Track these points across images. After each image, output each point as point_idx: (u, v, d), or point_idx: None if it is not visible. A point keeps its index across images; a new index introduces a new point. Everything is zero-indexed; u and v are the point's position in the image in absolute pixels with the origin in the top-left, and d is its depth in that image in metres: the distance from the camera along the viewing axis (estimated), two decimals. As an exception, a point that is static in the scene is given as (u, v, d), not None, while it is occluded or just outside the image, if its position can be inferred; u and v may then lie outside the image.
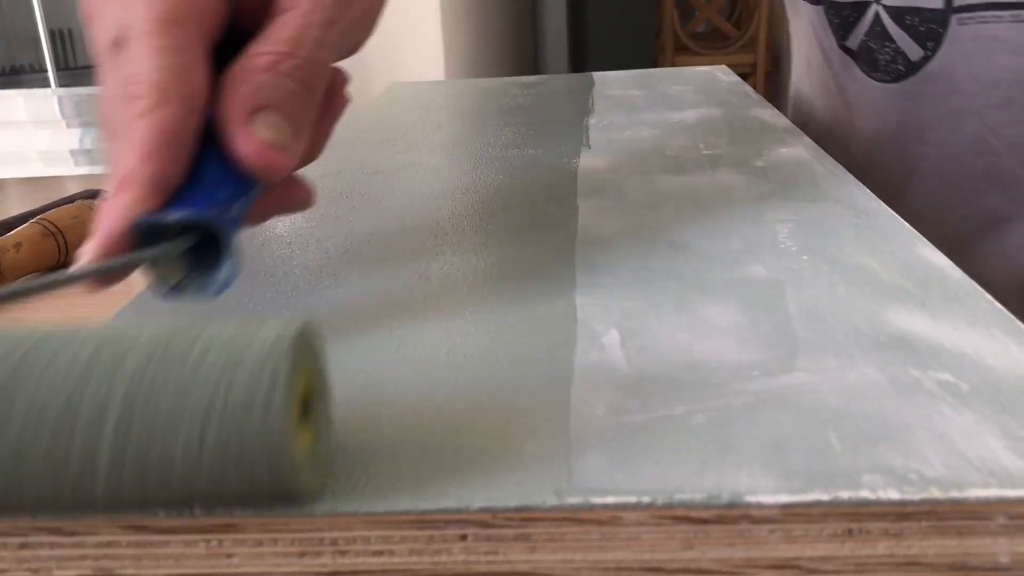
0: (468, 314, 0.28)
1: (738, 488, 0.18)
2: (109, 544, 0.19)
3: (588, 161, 0.47)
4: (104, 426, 0.17)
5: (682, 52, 2.92)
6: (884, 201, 0.37)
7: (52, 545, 0.19)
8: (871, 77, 0.56)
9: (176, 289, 0.24)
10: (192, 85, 0.24)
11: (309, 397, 0.19)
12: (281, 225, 0.39)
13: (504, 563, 0.18)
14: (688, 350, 0.24)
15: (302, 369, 0.18)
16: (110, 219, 0.23)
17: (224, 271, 0.24)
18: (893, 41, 0.53)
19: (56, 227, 0.50)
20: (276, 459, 0.17)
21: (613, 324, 0.26)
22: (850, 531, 0.18)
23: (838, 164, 0.44)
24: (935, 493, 0.18)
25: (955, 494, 0.18)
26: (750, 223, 0.35)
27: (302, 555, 0.19)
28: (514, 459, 0.20)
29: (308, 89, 0.26)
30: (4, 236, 0.48)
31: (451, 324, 0.27)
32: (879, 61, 0.55)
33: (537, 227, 0.36)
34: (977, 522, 0.18)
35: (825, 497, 0.18)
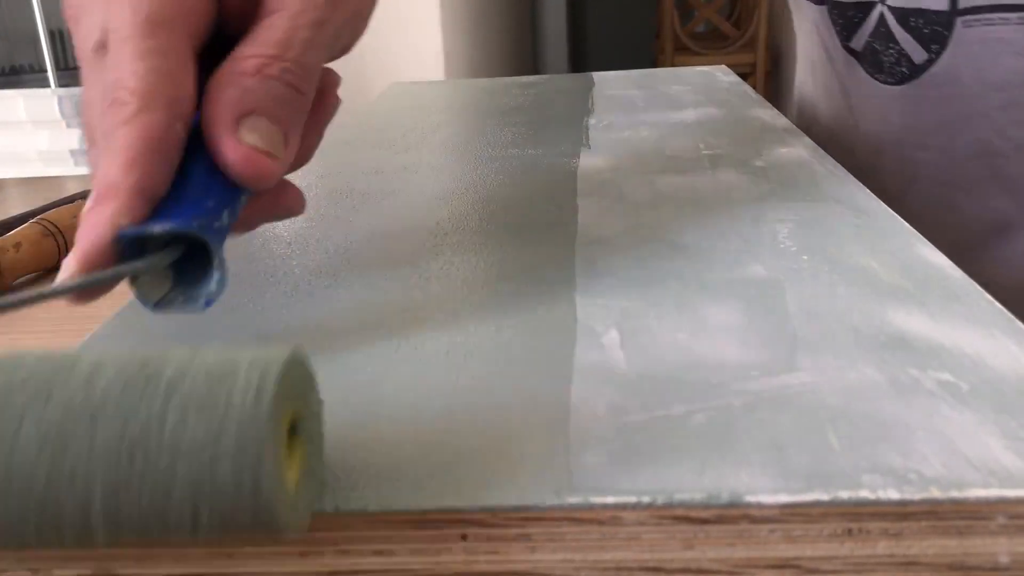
0: (468, 314, 0.28)
1: (738, 488, 0.18)
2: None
3: (588, 161, 0.47)
4: (91, 506, 0.16)
5: (682, 52, 2.92)
6: (888, 204, 0.36)
7: (52, 545, 0.19)
8: (875, 79, 0.55)
9: (162, 303, 0.24)
10: (177, 90, 0.24)
11: (297, 419, 0.18)
12: (281, 225, 0.39)
13: (504, 563, 0.18)
14: (688, 350, 0.24)
15: (287, 407, 0.18)
16: (93, 231, 0.22)
17: (211, 284, 0.23)
18: (897, 43, 0.52)
19: (56, 227, 0.50)
20: (270, 519, 0.17)
21: (613, 324, 0.26)
22: (850, 531, 0.18)
23: (838, 164, 0.44)
24: (935, 493, 0.18)
25: (955, 494, 0.18)
26: (750, 223, 0.35)
27: (303, 555, 0.19)
28: (514, 459, 0.20)
29: (298, 92, 0.25)
30: (4, 236, 0.48)
31: (451, 324, 0.27)
32: (883, 63, 0.54)
33: (537, 227, 0.36)
34: (977, 522, 0.18)
35: (825, 497, 0.18)
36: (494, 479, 0.19)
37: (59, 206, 0.55)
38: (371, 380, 0.24)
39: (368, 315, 0.29)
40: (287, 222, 0.39)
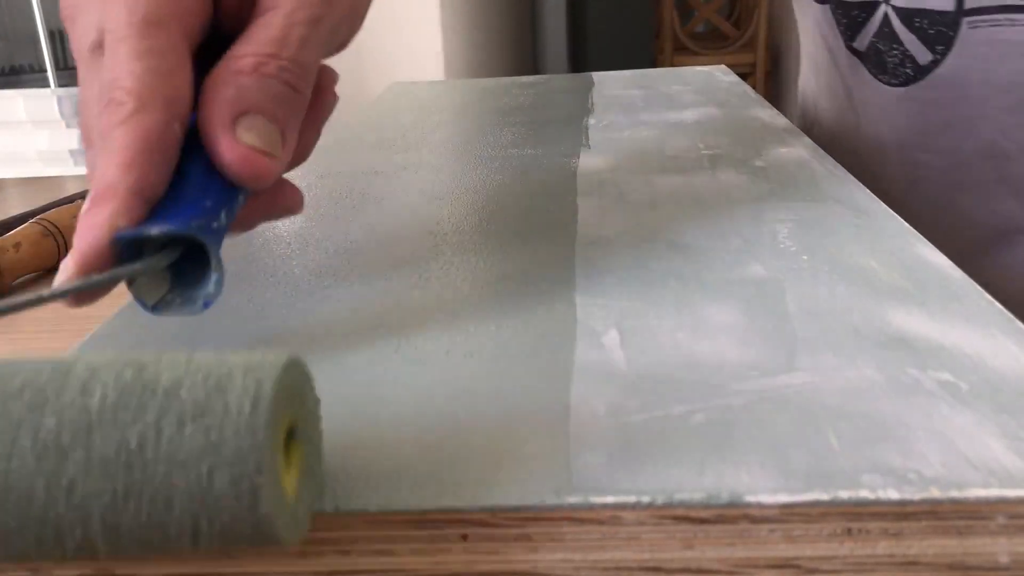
0: (468, 314, 0.28)
1: (738, 488, 0.18)
2: (109, 544, 0.19)
3: (588, 161, 0.47)
4: (91, 519, 0.16)
5: (681, 52, 2.92)
6: (892, 206, 0.36)
7: (52, 545, 0.19)
8: (879, 79, 0.55)
9: (160, 305, 0.24)
10: (174, 89, 0.23)
11: (295, 424, 0.18)
12: (281, 225, 0.39)
13: (504, 563, 0.18)
14: (688, 350, 0.24)
15: (284, 415, 0.17)
16: (90, 233, 0.22)
17: (209, 286, 0.23)
18: (902, 44, 0.52)
19: (56, 227, 0.50)
20: (268, 529, 0.16)
21: (613, 324, 0.26)
22: (849, 531, 0.18)
23: (838, 164, 0.44)
24: (935, 493, 0.18)
25: (955, 494, 0.18)
26: (750, 223, 0.35)
27: (302, 555, 0.19)
28: (514, 459, 0.20)
29: (295, 91, 0.25)
30: (3, 236, 0.48)
31: (451, 324, 0.27)
32: (887, 64, 0.53)
33: (537, 227, 0.36)
34: (977, 522, 0.18)
35: (824, 497, 0.18)
36: (494, 479, 0.19)
37: (59, 206, 0.55)
38: (371, 380, 0.24)
39: (368, 315, 0.29)
40: (287, 222, 0.39)
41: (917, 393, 0.22)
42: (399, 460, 0.20)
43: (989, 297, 0.27)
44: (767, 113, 0.58)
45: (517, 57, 3.02)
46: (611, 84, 0.74)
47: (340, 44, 0.28)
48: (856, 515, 0.18)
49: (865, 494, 0.18)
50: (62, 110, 0.78)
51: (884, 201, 0.37)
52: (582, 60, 3.91)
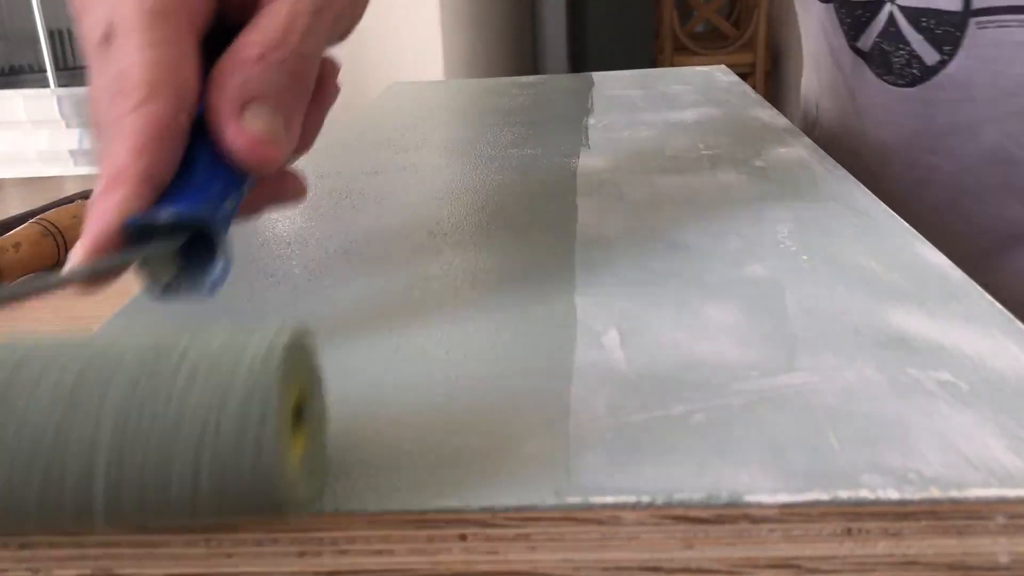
0: (468, 314, 0.28)
1: (737, 488, 0.18)
2: (109, 544, 0.19)
3: (588, 161, 0.47)
4: (95, 467, 0.16)
5: (681, 52, 2.92)
6: (897, 210, 0.36)
7: (52, 545, 0.19)
8: (884, 80, 0.54)
9: (169, 288, 0.24)
10: (182, 79, 0.24)
11: (303, 401, 0.19)
12: (281, 225, 0.39)
13: (504, 563, 0.18)
14: (687, 350, 0.24)
15: (294, 381, 0.18)
16: (101, 218, 0.23)
17: (217, 268, 0.24)
18: (908, 44, 0.51)
19: (55, 227, 0.50)
20: (270, 488, 0.17)
21: (613, 324, 0.26)
22: (849, 531, 0.18)
23: (838, 164, 0.44)
24: (934, 493, 0.18)
25: (954, 494, 0.18)
26: (750, 223, 0.35)
27: (302, 555, 0.19)
28: (514, 459, 0.20)
29: (299, 79, 0.26)
30: (3, 236, 0.48)
31: (451, 324, 0.27)
32: (893, 64, 0.52)
33: (537, 227, 0.36)
34: (976, 522, 0.18)
35: (824, 497, 0.18)
36: (494, 479, 0.19)
37: (58, 206, 0.55)
38: (371, 380, 0.24)
39: (368, 315, 0.29)
40: (287, 222, 0.39)
41: (917, 393, 0.22)
42: (399, 460, 0.20)
43: (989, 297, 0.27)
44: (767, 113, 0.58)
45: (517, 57, 3.02)
46: (611, 84, 0.74)
47: (342, 34, 0.29)
48: (856, 515, 0.18)
49: (865, 494, 0.18)
50: (62, 110, 0.78)
51: (889, 204, 0.37)
52: (582, 60, 3.91)
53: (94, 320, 0.29)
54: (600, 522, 0.18)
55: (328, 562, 0.19)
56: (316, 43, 0.26)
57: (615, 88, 0.72)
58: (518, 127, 0.58)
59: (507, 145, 0.52)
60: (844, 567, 0.18)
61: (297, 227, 0.38)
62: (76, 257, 0.22)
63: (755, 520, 0.18)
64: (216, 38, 0.26)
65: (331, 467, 0.20)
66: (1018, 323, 0.25)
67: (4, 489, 0.17)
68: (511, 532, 0.18)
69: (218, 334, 0.18)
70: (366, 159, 0.52)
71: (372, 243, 0.36)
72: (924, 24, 0.50)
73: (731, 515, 0.18)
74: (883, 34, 0.53)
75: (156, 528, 0.19)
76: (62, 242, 0.50)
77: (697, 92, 0.68)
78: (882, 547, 0.18)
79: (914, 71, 0.52)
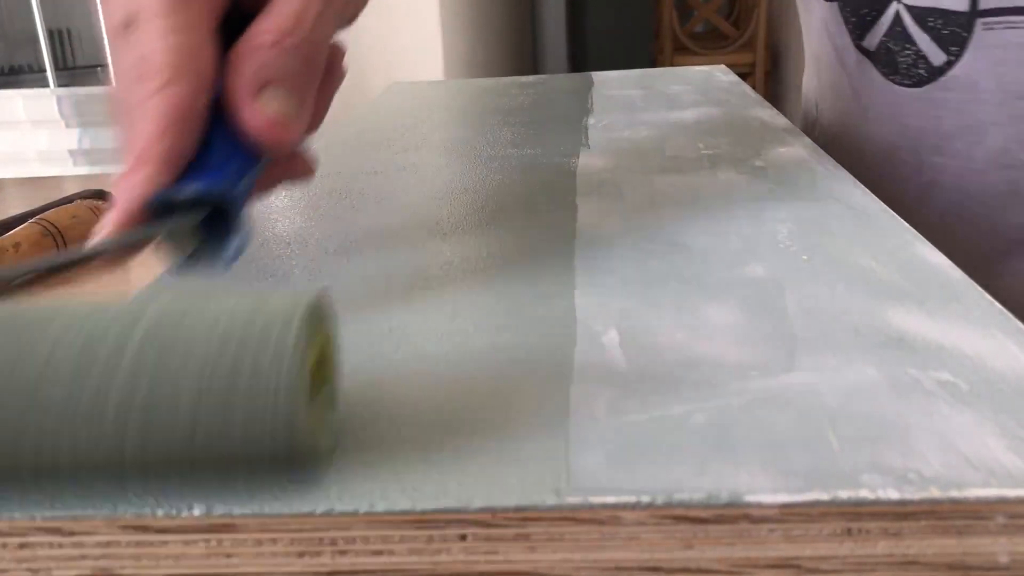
0: (468, 314, 0.28)
1: (737, 488, 0.18)
2: (109, 544, 0.19)
3: (588, 161, 0.47)
4: (132, 406, 0.17)
5: (681, 52, 2.92)
6: (900, 213, 0.36)
7: (52, 545, 0.19)
8: (890, 80, 0.53)
9: (190, 260, 0.25)
10: (202, 63, 0.25)
11: (321, 367, 0.20)
12: (281, 225, 0.39)
13: (504, 563, 0.18)
14: (687, 349, 0.24)
15: (316, 338, 0.19)
16: (128, 193, 0.24)
17: (236, 241, 0.25)
18: (915, 44, 0.50)
19: (55, 227, 0.50)
20: (290, 418, 0.17)
21: (612, 324, 0.26)
22: (849, 531, 0.18)
23: (838, 164, 0.44)
24: (934, 492, 0.18)
25: (954, 494, 0.18)
26: (749, 223, 0.35)
27: (302, 555, 0.19)
28: (514, 459, 0.20)
29: (311, 64, 0.27)
30: (3, 236, 0.48)
31: (451, 324, 0.27)
32: (899, 64, 0.52)
33: (537, 227, 0.36)
34: (976, 522, 0.18)
35: (824, 497, 0.18)
36: (494, 479, 0.19)
37: (58, 206, 0.55)
38: (370, 380, 0.24)
39: (368, 315, 0.29)
40: (287, 222, 0.39)
41: (917, 393, 0.22)
42: (398, 460, 0.20)
43: (989, 297, 0.27)
44: (767, 113, 0.58)
45: (517, 57, 3.02)
46: (611, 84, 0.74)
47: (350, 19, 0.30)
48: (856, 515, 0.18)
49: (865, 494, 0.18)
50: (61, 110, 0.78)
51: (893, 205, 0.36)
52: (582, 60, 3.91)
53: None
54: (600, 522, 0.18)
55: (328, 562, 0.19)
56: (327, 29, 0.27)
57: (615, 88, 0.72)
58: (518, 127, 0.58)
59: (507, 145, 0.52)
60: (844, 567, 0.18)
61: (297, 227, 0.38)
62: (104, 230, 0.24)
63: (755, 520, 0.18)
64: (232, 24, 0.27)
65: (330, 468, 0.20)
66: (1018, 323, 0.25)
67: (32, 385, 0.18)
68: (511, 532, 0.18)
69: (245, 295, 0.19)
70: (366, 159, 0.52)
71: (372, 243, 0.36)
72: (931, 24, 0.49)
73: (731, 515, 0.18)
74: (889, 33, 0.52)
75: (156, 528, 0.19)
76: (62, 242, 0.50)
77: (697, 92, 0.68)
78: (882, 547, 0.18)
79: (920, 71, 0.51)
